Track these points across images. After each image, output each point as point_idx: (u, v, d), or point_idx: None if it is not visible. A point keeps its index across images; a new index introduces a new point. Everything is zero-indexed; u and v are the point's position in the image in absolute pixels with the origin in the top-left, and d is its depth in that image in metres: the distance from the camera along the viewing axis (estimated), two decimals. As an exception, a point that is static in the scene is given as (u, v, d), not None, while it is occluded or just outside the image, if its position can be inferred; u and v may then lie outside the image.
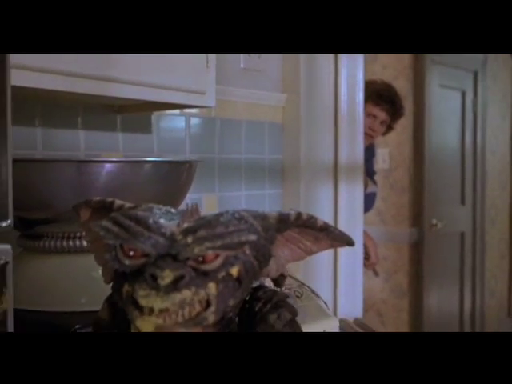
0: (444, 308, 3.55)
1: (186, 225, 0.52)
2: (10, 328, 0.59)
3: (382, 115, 2.25)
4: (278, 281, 0.62)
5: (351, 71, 1.99)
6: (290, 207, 1.88)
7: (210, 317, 0.52)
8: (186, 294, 0.50)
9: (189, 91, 1.21)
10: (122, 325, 0.66)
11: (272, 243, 0.58)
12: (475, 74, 3.79)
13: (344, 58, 1.96)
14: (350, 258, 2.10)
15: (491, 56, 3.91)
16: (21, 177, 0.82)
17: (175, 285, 0.50)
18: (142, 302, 0.51)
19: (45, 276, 0.94)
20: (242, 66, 1.77)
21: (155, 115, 1.54)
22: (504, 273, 4.17)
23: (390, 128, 2.35)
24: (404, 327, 3.32)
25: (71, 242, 0.94)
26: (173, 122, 1.61)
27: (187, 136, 1.64)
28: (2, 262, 0.58)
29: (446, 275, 3.54)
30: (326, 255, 2.05)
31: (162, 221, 0.53)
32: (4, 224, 0.58)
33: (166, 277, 0.49)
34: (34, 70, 0.95)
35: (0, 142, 0.59)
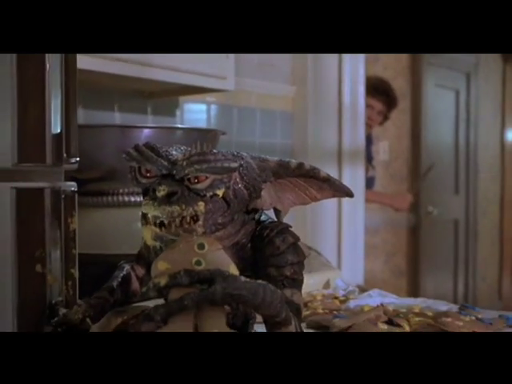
0: (439, 290, 3.62)
1: (188, 154, 0.61)
2: (77, 243, 0.69)
3: (378, 106, 2.37)
4: (276, 214, 0.69)
5: (353, 66, 2.08)
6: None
7: (199, 229, 0.60)
8: (175, 208, 0.59)
9: (212, 76, 1.31)
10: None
11: (265, 181, 0.65)
12: (468, 76, 3.86)
13: (347, 55, 2.05)
14: (352, 232, 2.19)
15: (483, 59, 3.97)
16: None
17: (168, 198, 0.59)
18: (143, 209, 0.61)
19: (93, 226, 1.03)
20: (256, 60, 1.87)
21: (181, 102, 1.64)
22: (495, 259, 4.23)
23: (386, 118, 2.46)
24: (402, 305, 3.39)
25: (115, 198, 1.04)
26: (195, 109, 1.71)
27: (208, 121, 1.74)
28: (70, 191, 0.68)
29: (441, 259, 3.62)
30: (331, 228, 2.14)
31: (173, 152, 0.62)
32: (73, 160, 0.68)
33: (162, 190, 0.59)
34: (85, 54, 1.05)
35: (71, 103, 0.69)
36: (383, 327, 0.77)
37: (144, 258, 0.77)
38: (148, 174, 0.61)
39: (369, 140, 2.48)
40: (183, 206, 0.59)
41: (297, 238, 0.68)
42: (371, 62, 3.09)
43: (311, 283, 1.14)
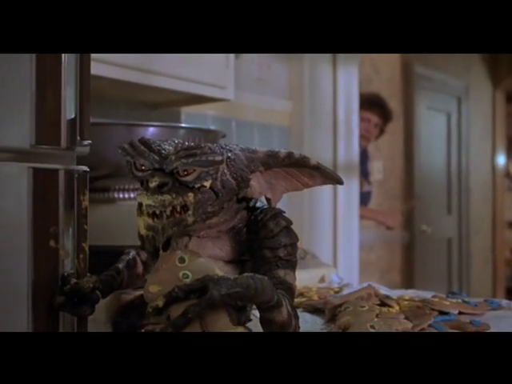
0: (434, 307, 3.62)
1: (178, 148, 0.65)
2: (88, 219, 0.73)
3: (374, 118, 2.43)
4: (267, 202, 0.73)
5: (348, 84, 2.14)
6: (295, 201, 2.02)
7: (189, 218, 0.64)
8: (166, 197, 0.63)
9: (213, 85, 1.36)
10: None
11: (253, 171, 0.68)
12: (459, 99, 3.94)
13: (341, 71, 2.11)
14: (348, 247, 2.22)
15: (473, 84, 4.06)
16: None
17: (160, 189, 0.63)
18: (138, 198, 0.65)
19: (99, 220, 1.08)
20: (255, 75, 1.93)
21: (182, 115, 1.69)
22: (488, 277, 4.25)
23: (382, 131, 2.52)
24: (397, 322, 3.40)
25: (121, 194, 1.09)
26: (196, 121, 1.76)
27: (209, 133, 1.79)
28: (82, 171, 0.73)
29: (435, 276, 3.64)
30: (326, 243, 2.17)
31: (166, 146, 0.66)
32: (85, 143, 0.72)
33: (154, 181, 0.63)
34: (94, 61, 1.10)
35: (84, 91, 0.74)
36: (375, 304, 0.81)
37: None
38: (142, 168, 0.65)
39: (365, 156, 2.53)
40: (174, 195, 0.63)
41: (289, 222, 0.71)
42: (365, 84, 3.16)
43: (307, 278, 1.18)
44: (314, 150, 2.09)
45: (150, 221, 0.64)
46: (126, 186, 1.08)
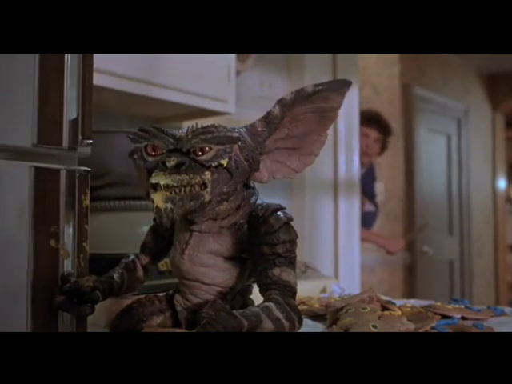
0: (436, 329, 3.59)
1: (192, 128, 0.65)
2: (88, 218, 0.72)
3: (373, 133, 2.44)
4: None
5: (348, 100, 2.15)
6: (297, 216, 2.01)
7: (207, 196, 0.64)
8: (184, 177, 0.63)
9: (214, 99, 1.37)
10: (161, 245, 0.80)
11: (261, 154, 0.69)
12: (459, 122, 3.96)
13: (342, 90, 2.13)
14: (349, 268, 2.21)
15: (472, 107, 4.08)
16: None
17: (178, 168, 0.63)
18: (153, 180, 0.64)
19: (101, 229, 1.07)
20: (256, 94, 1.95)
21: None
22: (490, 300, 4.21)
23: (383, 147, 2.51)
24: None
25: (122, 203, 1.08)
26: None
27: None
28: (83, 171, 0.73)
29: (436, 298, 3.60)
30: (328, 265, 2.16)
31: (175, 131, 0.66)
32: (87, 142, 0.72)
33: (172, 161, 0.63)
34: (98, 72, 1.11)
35: (86, 93, 0.75)
36: (377, 306, 0.80)
37: (148, 247, 0.81)
38: (153, 153, 0.66)
39: (371, 176, 2.53)
40: (191, 175, 0.63)
41: (290, 218, 0.71)
42: (365, 106, 3.18)
43: (308, 288, 1.17)
44: (315, 167, 2.08)
45: (167, 193, 0.63)
46: (128, 195, 1.08)
